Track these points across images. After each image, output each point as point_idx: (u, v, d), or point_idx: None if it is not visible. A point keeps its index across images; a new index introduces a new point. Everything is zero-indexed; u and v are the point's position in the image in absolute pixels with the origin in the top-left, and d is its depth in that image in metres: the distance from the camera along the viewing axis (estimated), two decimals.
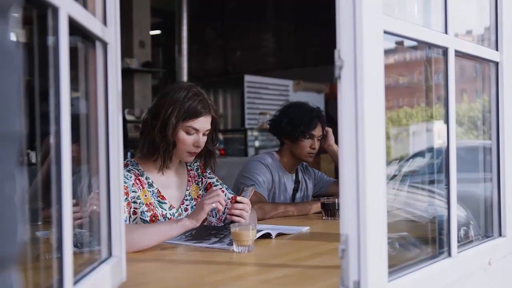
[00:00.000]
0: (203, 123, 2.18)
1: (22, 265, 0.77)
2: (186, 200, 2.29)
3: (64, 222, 0.98)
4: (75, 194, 1.04)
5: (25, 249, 0.58)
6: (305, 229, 2.29)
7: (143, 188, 2.15)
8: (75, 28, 1.09)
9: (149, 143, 2.16)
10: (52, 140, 0.98)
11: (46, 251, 1.44)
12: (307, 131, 2.90)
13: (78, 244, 1.35)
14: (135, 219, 2.09)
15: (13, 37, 0.55)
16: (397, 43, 1.45)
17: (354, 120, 1.15)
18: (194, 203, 2.29)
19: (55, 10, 0.96)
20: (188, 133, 2.16)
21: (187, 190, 2.31)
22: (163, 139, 2.13)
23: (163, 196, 2.20)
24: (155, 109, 2.17)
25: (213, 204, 1.94)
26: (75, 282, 1.06)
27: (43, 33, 1.00)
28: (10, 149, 0.52)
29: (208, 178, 2.39)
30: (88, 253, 1.42)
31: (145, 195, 2.14)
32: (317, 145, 2.94)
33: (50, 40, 0.98)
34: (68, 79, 1.00)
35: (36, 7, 0.96)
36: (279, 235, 2.13)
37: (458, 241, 1.51)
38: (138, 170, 2.17)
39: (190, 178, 2.34)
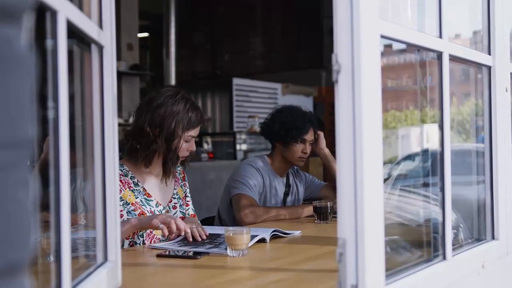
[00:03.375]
0: (198, 130, 2.31)
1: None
2: (174, 198, 2.37)
3: (62, 227, 0.97)
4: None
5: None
6: (297, 233, 2.30)
7: (125, 188, 2.19)
8: (71, 31, 1.08)
9: (153, 153, 2.23)
10: (50, 143, 0.97)
11: (40, 255, 1.43)
12: (299, 135, 2.90)
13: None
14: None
15: (25, 42, 0.55)
16: (385, 46, 1.45)
17: (351, 123, 1.15)
18: (182, 202, 2.39)
19: (54, 13, 0.96)
20: (186, 141, 2.26)
21: (175, 189, 2.39)
22: (169, 151, 2.22)
23: (149, 194, 2.25)
24: (154, 120, 2.20)
25: (161, 225, 1.93)
26: (73, 287, 1.05)
27: (40, 36, 0.99)
28: (23, 155, 0.52)
29: (187, 187, 2.48)
30: (79, 257, 1.41)
31: (129, 195, 2.18)
32: (308, 149, 2.94)
33: (48, 43, 0.97)
34: (67, 82, 0.99)
35: (34, 10, 0.95)
36: (274, 237, 2.14)
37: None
38: (122, 171, 2.20)
39: (176, 179, 2.42)
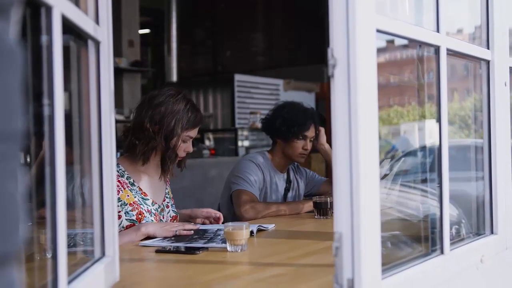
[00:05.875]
0: (197, 131, 2.33)
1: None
2: (167, 197, 2.40)
3: (58, 222, 0.98)
4: (66, 195, 1.04)
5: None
6: (271, 226, 2.33)
7: (124, 188, 2.21)
8: (67, 27, 1.08)
9: (151, 151, 2.23)
10: (45, 140, 0.98)
11: (38, 251, 1.43)
12: (301, 132, 2.89)
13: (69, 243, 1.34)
14: (120, 223, 2.13)
15: (13, 35, 0.55)
16: (387, 41, 1.45)
17: (347, 118, 1.15)
18: (172, 202, 2.42)
19: (49, 9, 0.96)
20: (184, 141, 2.27)
21: (166, 189, 2.42)
22: (167, 148, 2.22)
23: (145, 193, 2.27)
24: (154, 117, 2.22)
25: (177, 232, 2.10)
26: (69, 282, 1.06)
27: (35, 32, 1.00)
28: (13, 148, 0.52)
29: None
30: (76, 252, 1.42)
31: (128, 195, 2.21)
32: (309, 146, 2.94)
33: (43, 39, 0.98)
34: (62, 79, 0.99)
35: (29, 6, 0.95)
36: (259, 231, 2.18)
37: (450, 239, 1.52)
38: (118, 171, 2.20)
39: (168, 179, 2.44)
